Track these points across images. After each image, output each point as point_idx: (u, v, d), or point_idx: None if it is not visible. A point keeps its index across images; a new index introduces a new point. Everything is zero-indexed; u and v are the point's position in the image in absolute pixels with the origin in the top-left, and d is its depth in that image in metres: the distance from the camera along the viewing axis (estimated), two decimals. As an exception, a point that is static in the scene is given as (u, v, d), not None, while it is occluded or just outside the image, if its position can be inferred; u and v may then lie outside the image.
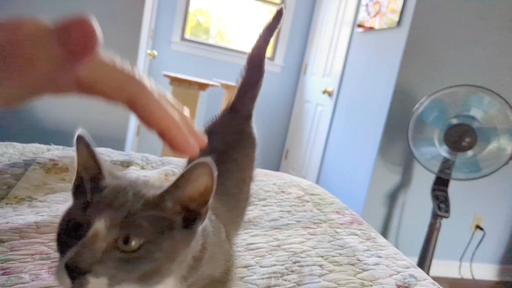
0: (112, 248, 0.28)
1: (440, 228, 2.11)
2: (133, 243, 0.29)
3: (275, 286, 0.57)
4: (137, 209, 0.30)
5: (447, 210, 2.10)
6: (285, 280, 0.59)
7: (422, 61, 2.22)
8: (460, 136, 1.95)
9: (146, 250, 0.29)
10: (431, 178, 2.12)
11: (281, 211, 0.86)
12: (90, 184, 0.32)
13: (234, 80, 2.82)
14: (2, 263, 0.55)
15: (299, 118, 3.40)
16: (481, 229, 2.54)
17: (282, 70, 3.50)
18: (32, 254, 0.58)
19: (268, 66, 3.60)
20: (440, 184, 2.12)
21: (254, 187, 1.00)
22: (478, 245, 2.51)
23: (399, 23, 2.22)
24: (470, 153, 1.97)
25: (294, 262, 0.64)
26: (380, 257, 0.69)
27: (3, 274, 0.54)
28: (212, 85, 2.19)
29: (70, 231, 0.30)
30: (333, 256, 0.67)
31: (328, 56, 2.97)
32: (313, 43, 3.30)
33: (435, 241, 2.13)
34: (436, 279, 2.49)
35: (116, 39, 1.97)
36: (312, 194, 1.00)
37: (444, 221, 2.16)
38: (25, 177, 0.79)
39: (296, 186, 1.04)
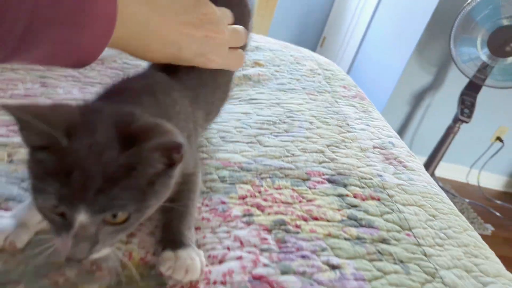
0: (103, 225, 0.30)
1: (457, 132, 2.14)
2: (121, 216, 0.30)
3: (266, 129, 0.67)
4: (116, 183, 0.29)
5: (469, 116, 2.10)
6: (275, 127, 0.68)
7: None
8: (506, 40, 1.84)
9: (136, 216, 0.31)
10: (463, 84, 2.07)
11: (291, 78, 0.92)
12: (52, 164, 0.29)
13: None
14: (41, 78, 0.66)
15: (342, 4, 3.20)
16: (501, 141, 2.54)
17: None
18: (65, 76, 0.69)
19: None
20: (471, 90, 2.07)
21: (270, 54, 1.04)
22: (493, 155, 2.55)
23: None
24: (510, 59, 1.88)
25: (288, 117, 0.73)
26: (368, 125, 0.77)
27: (41, 86, 0.66)
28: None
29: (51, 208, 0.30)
30: (325, 118, 0.75)
31: None
32: None
33: (449, 144, 2.18)
34: (440, 179, 2.62)
35: None
36: (326, 70, 1.04)
37: (466, 129, 2.17)
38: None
39: (312, 61, 1.08)
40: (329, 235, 0.44)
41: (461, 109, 2.10)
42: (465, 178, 2.70)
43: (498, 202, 2.54)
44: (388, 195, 0.54)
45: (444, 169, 2.58)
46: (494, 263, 0.47)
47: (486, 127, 2.53)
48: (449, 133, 2.17)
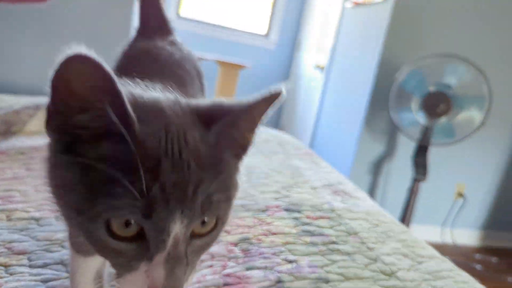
0: (190, 240, 0.24)
1: (418, 192, 2.28)
2: (210, 222, 0.25)
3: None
4: (212, 172, 0.24)
5: (424, 174, 2.28)
6: (237, 179, 0.78)
7: (407, 33, 2.36)
8: (436, 103, 2.12)
9: (222, 221, 0.26)
10: (413, 146, 2.29)
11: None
12: (124, 157, 0.22)
13: (228, 57, 2.98)
14: (25, 164, 0.76)
15: (293, 94, 3.56)
16: (463, 196, 2.70)
17: (276, 47, 3.66)
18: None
19: (263, 43, 3.71)
20: (420, 151, 2.29)
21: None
22: (458, 211, 2.68)
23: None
24: (444, 119, 2.14)
25: (248, 172, 0.84)
26: (317, 172, 0.89)
27: (26, 170, 0.74)
28: (204, 59, 2.37)
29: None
30: (279, 169, 0.87)
31: (321, 31, 3.13)
32: (307, 19, 3.46)
33: (413, 204, 2.31)
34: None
35: (108, 14, 2.11)
36: (280, 140, 1.19)
37: (428, 189, 2.34)
38: (36, 116, 1.00)
39: (267, 134, 1.23)
40: (286, 243, 0.53)
41: (416, 170, 2.29)
42: (440, 238, 2.78)
43: (478, 256, 2.60)
44: (337, 215, 0.64)
45: (417, 232, 2.66)
46: (429, 250, 0.56)
47: (446, 185, 2.70)
48: (411, 194, 2.32)
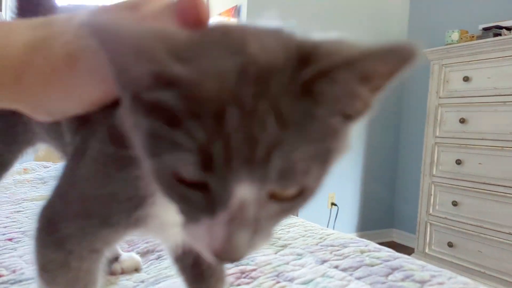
0: (267, 203, 0.20)
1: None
2: (292, 191, 0.21)
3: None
4: (292, 148, 0.19)
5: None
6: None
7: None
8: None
9: (309, 192, 0.22)
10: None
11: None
12: (183, 105, 0.18)
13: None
14: None
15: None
16: (335, 205, 3.01)
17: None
18: None
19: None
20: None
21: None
22: (335, 218, 2.97)
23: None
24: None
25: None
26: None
27: None
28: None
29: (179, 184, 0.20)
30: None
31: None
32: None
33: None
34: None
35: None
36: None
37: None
38: None
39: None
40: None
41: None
42: (324, 245, 3.01)
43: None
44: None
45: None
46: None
47: (320, 198, 2.98)
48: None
